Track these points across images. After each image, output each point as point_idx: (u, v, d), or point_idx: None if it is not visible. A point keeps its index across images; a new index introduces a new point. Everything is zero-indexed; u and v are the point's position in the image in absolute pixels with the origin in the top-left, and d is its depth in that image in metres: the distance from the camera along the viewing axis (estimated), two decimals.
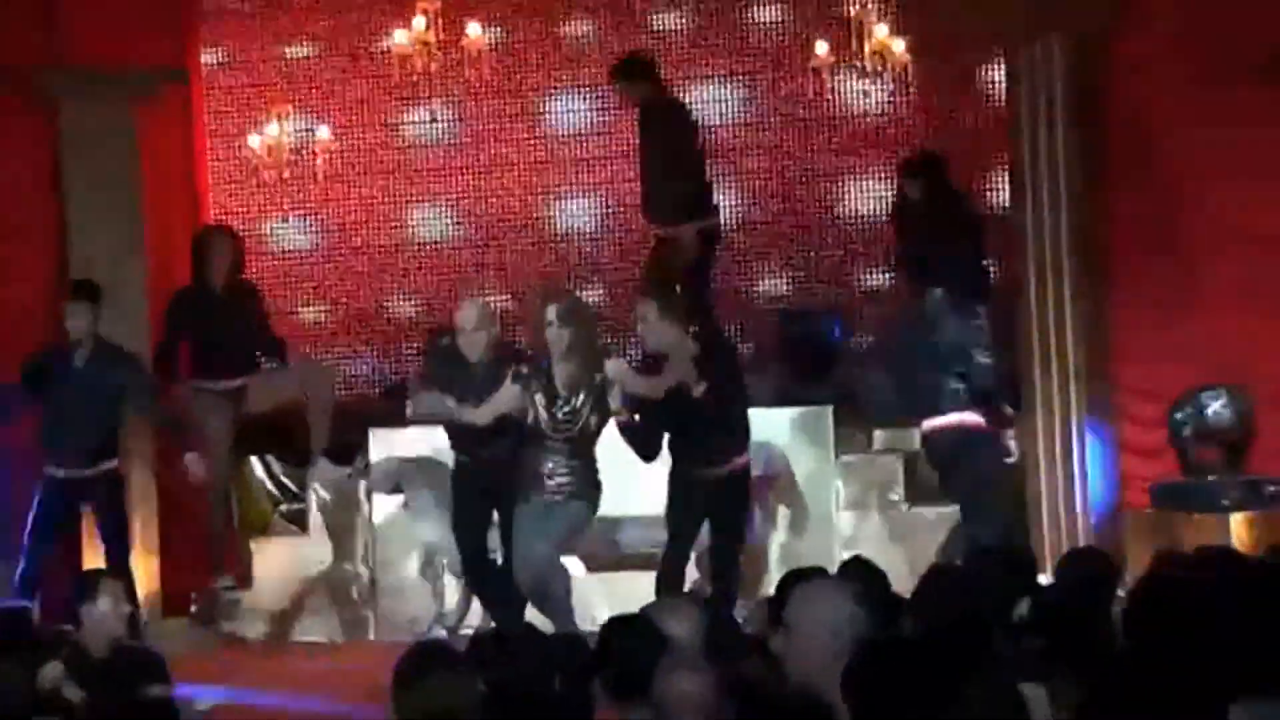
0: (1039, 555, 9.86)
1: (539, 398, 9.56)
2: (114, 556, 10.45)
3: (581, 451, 9.61)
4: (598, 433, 9.65)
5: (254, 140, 12.42)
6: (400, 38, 11.78)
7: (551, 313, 9.57)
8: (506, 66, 12.86)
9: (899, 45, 11.58)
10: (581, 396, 9.54)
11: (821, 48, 11.83)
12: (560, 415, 9.55)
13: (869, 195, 12.62)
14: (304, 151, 12.66)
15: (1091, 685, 4.08)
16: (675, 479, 9.84)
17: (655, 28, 12.82)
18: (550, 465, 9.56)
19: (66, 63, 11.59)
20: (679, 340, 9.66)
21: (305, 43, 13.18)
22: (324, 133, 12.57)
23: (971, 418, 10.02)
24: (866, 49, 11.51)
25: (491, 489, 9.80)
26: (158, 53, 11.95)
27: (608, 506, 9.90)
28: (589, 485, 9.64)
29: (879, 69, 11.63)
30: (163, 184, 12.06)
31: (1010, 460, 10.18)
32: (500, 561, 9.89)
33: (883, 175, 12.52)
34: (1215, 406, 10.40)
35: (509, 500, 9.70)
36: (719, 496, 9.74)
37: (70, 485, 10.51)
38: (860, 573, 6.52)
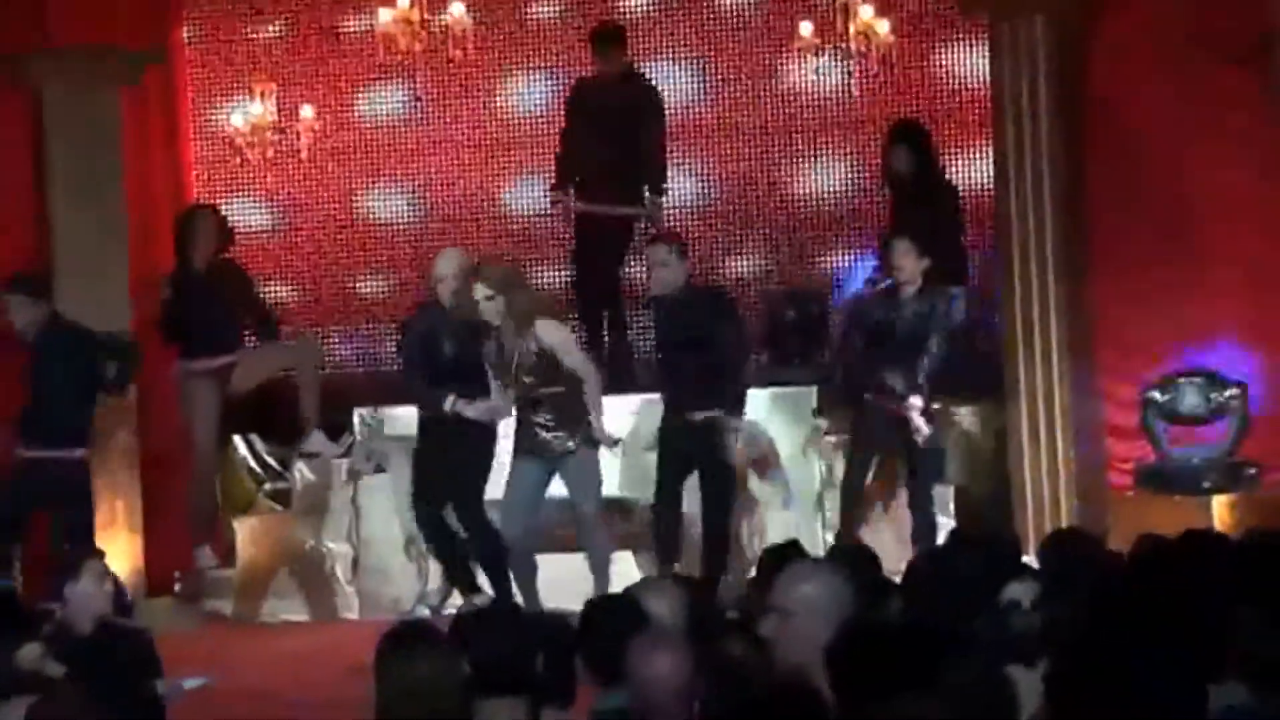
0: (1023, 537, 9.88)
1: (495, 367, 9.76)
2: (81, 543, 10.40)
3: (563, 397, 9.73)
4: (559, 376, 9.76)
5: (237, 119, 12.39)
6: (384, 16, 11.75)
7: (480, 290, 9.72)
8: (488, 46, 12.80)
9: (883, 26, 11.56)
10: (526, 350, 9.69)
11: (806, 29, 11.81)
12: (524, 381, 9.72)
13: (848, 176, 12.58)
14: (287, 131, 12.62)
15: (1072, 665, 4.09)
16: (662, 432, 10.04)
17: (623, 8, 12.73)
18: (536, 419, 9.76)
19: (49, 46, 11.56)
20: (686, 285, 9.93)
21: (281, 21, 13.11)
22: (307, 112, 12.54)
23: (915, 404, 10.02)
24: (851, 30, 11.49)
25: (453, 453, 9.88)
26: (139, 33, 11.92)
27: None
28: (582, 434, 9.79)
29: (863, 50, 11.61)
30: (145, 165, 12.04)
31: (920, 437, 10.10)
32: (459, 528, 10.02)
33: (861, 157, 12.47)
34: (1179, 392, 10.41)
35: (471, 467, 9.81)
36: (702, 444, 9.81)
37: (34, 466, 10.48)
38: (851, 555, 6.53)
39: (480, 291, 9.75)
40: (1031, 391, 10.58)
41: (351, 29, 12.93)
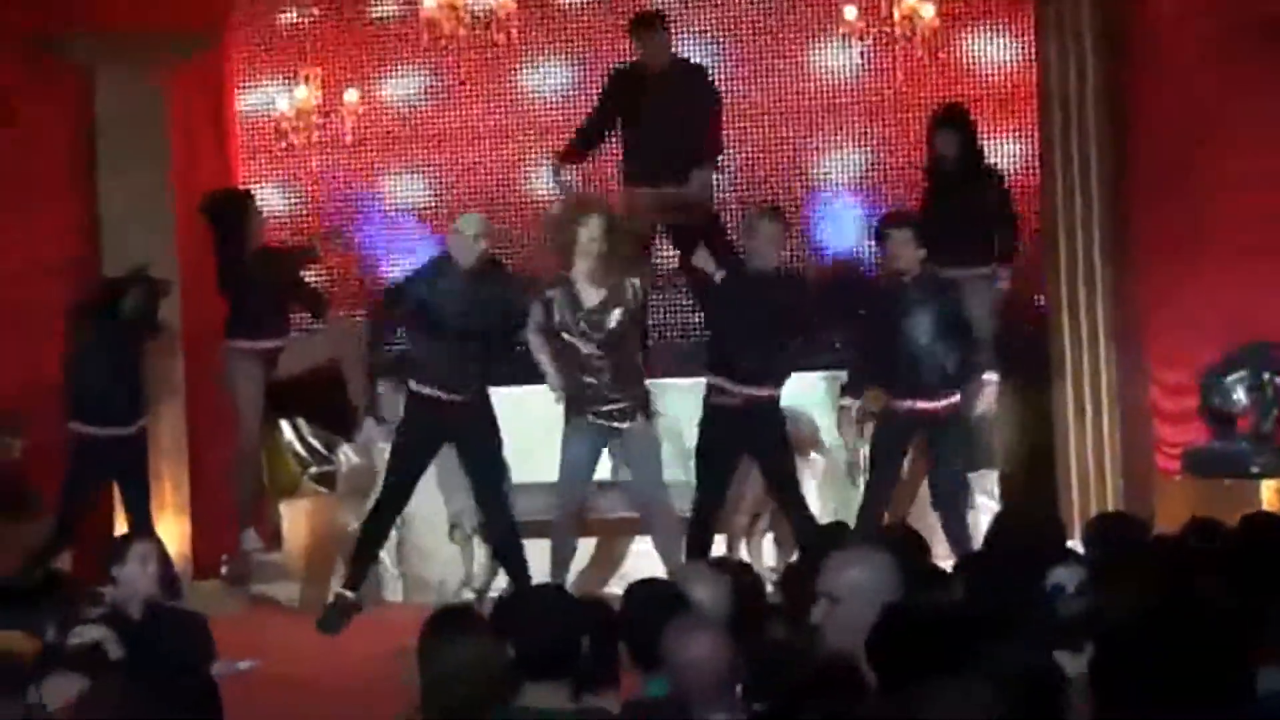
0: (1068, 521, 9.86)
1: (562, 306, 9.55)
2: (138, 519, 10.56)
3: (624, 364, 9.60)
4: (635, 341, 9.65)
5: (283, 103, 12.42)
6: (428, 1, 11.76)
7: (598, 223, 9.55)
8: (527, 29, 12.79)
9: (928, 10, 11.53)
10: (611, 300, 9.55)
11: (851, 12, 11.78)
12: (591, 321, 9.56)
13: (886, 161, 12.54)
14: (330, 115, 12.65)
15: (1118, 651, 4.08)
16: (705, 417, 9.83)
17: None
18: (595, 385, 9.58)
19: (98, 29, 11.60)
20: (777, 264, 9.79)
21: (323, 6, 13.12)
22: (351, 96, 12.56)
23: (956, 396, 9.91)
24: (896, 14, 11.47)
25: (448, 428, 9.76)
26: (188, 17, 11.95)
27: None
28: (642, 404, 9.66)
29: (908, 34, 11.58)
30: (192, 149, 12.08)
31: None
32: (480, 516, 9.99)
33: (898, 141, 12.43)
34: (1225, 380, 10.35)
35: (490, 455, 9.73)
36: (750, 425, 9.69)
37: (104, 443, 10.64)
38: (899, 540, 6.52)
39: (597, 223, 9.54)
40: (1078, 374, 10.55)
41: (390, 13, 12.93)
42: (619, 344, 9.60)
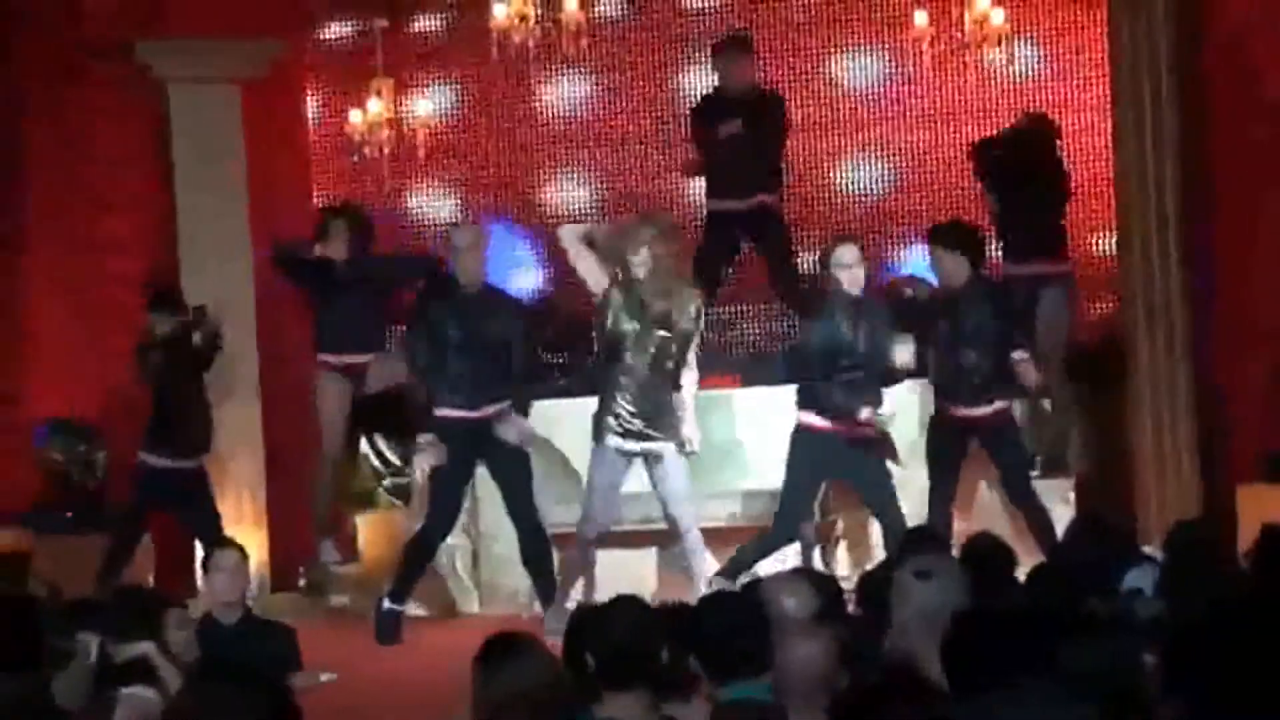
0: (1146, 528, 9.80)
1: (623, 315, 9.57)
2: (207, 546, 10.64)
3: (661, 390, 9.59)
4: (680, 362, 9.63)
5: (355, 116, 12.47)
6: (499, 13, 11.78)
7: (646, 232, 9.59)
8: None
9: (998, 15, 11.50)
10: (668, 313, 9.56)
11: (921, 18, 11.75)
12: (651, 354, 9.57)
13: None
14: (403, 128, 12.69)
15: (1189, 655, 4.06)
16: (808, 443, 9.77)
17: (692, 7, 12.68)
18: (625, 401, 9.59)
19: (172, 38, 11.69)
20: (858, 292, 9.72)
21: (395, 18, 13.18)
22: (423, 109, 12.60)
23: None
24: (967, 19, 11.44)
25: (477, 442, 9.87)
26: (262, 28, 12.01)
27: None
28: (672, 420, 9.62)
29: (980, 39, 11.54)
30: (267, 159, 12.13)
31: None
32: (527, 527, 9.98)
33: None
34: None
35: (502, 462, 9.84)
36: (849, 454, 9.67)
37: (168, 475, 10.68)
38: (985, 550, 6.52)
39: (645, 233, 9.59)
40: (1154, 378, 10.46)
41: (465, 25, 12.97)
42: (665, 362, 9.61)
